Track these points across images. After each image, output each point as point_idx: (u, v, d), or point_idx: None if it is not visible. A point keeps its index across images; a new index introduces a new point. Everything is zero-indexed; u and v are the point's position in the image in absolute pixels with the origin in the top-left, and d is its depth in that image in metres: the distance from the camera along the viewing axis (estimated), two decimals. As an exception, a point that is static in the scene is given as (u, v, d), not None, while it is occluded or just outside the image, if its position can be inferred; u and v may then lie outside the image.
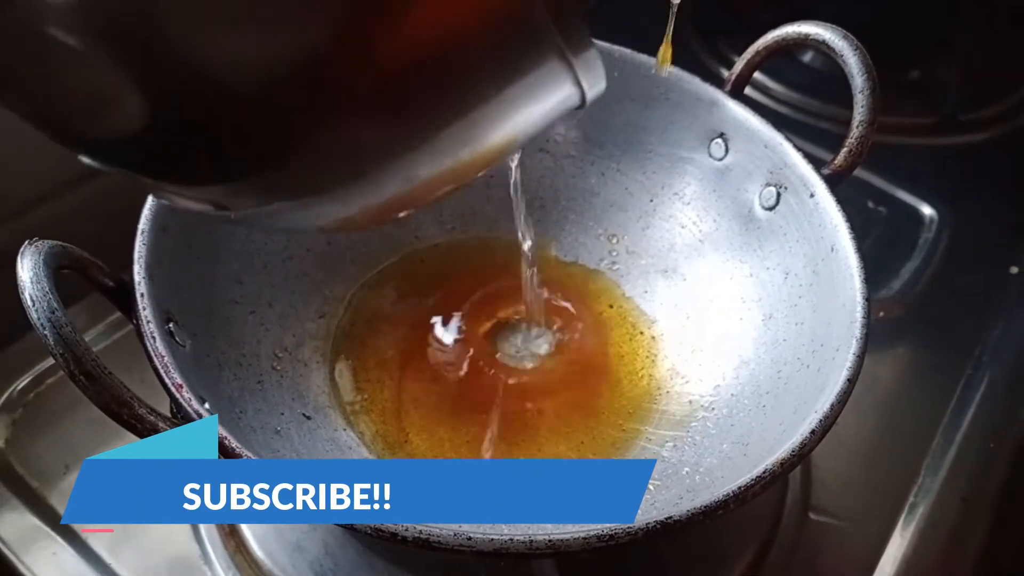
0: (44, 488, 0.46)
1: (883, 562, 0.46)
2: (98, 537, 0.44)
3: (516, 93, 0.24)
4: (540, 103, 0.25)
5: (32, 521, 0.45)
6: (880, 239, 0.65)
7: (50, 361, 0.50)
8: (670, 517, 0.30)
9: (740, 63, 0.47)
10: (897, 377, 0.56)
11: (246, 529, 0.44)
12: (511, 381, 0.47)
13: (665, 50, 0.44)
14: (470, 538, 0.29)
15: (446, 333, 0.49)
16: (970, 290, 0.62)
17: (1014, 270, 0.63)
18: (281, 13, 0.20)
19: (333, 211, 0.27)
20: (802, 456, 0.33)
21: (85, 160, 0.26)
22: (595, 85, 0.25)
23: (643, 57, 0.50)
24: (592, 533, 0.29)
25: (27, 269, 0.30)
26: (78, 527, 0.44)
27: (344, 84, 0.22)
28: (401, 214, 0.32)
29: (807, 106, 0.74)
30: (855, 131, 0.43)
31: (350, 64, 0.21)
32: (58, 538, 0.44)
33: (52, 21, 0.20)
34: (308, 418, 0.43)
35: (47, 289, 0.29)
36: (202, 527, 0.44)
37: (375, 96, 0.22)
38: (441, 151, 0.25)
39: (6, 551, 0.44)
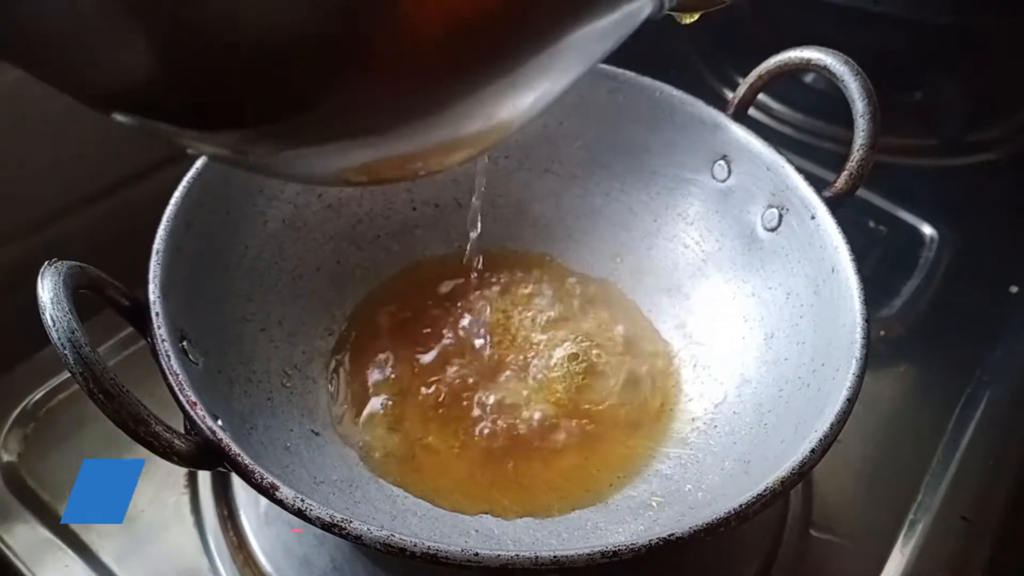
0: (55, 501, 0.47)
1: (883, 579, 0.46)
2: (108, 550, 0.45)
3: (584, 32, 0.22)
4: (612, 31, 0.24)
5: (44, 534, 0.45)
6: (881, 258, 0.65)
7: (61, 377, 0.52)
8: (672, 534, 0.31)
9: (743, 87, 0.48)
10: (898, 395, 0.56)
11: (254, 542, 0.45)
12: (518, 395, 0.48)
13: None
14: (477, 554, 0.29)
15: (454, 348, 0.50)
16: (970, 309, 0.62)
17: (1014, 289, 0.64)
18: None
19: (352, 158, 0.26)
20: (803, 475, 0.33)
21: (104, 113, 0.25)
22: None
23: (647, 80, 0.51)
24: (596, 550, 0.30)
25: (47, 290, 0.31)
26: (87, 539, 0.45)
27: (385, 33, 0.20)
28: (427, 169, 0.30)
29: (811, 127, 0.75)
30: (856, 154, 0.44)
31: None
32: (69, 551, 0.45)
33: None
34: (316, 434, 0.44)
35: (67, 309, 0.30)
36: (211, 540, 0.45)
37: (422, 46, 0.20)
38: (484, 101, 0.23)
39: (18, 563, 0.44)
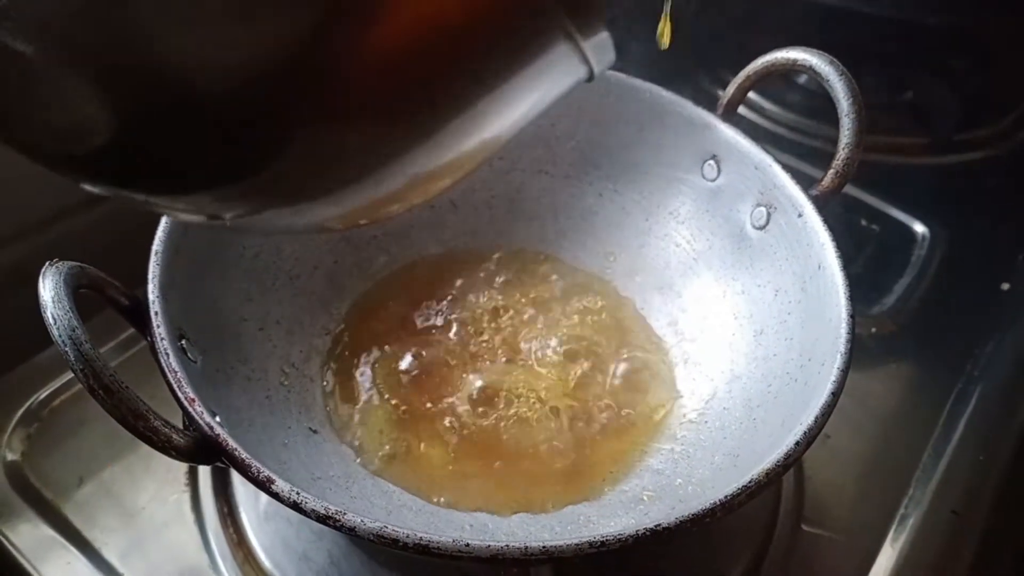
0: (58, 500, 0.47)
1: (874, 573, 0.47)
2: (110, 546, 0.45)
3: (521, 81, 0.23)
4: (546, 87, 0.24)
5: (47, 532, 0.46)
6: (873, 256, 0.66)
7: (64, 378, 0.52)
8: (659, 525, 0.31)
9: (732, 87, 0.49)
10: (889, 391, 0.57)
11: (254, 539, 0.45)
12: (512, 392, 0.49)
13: (664, 26, 0.45)
14: (468, 544, 0.30)
15: (449, 346, 0.50)
16: (962, 306, 0.63)
17: (1005, 286, 0.64)
18: (260, 6, 0.19)
19: (328, 212, 0.26)
20: (787, 466, 0.34)
21: (79, 184, 0.26)
22: (603, 60, 0.24)
23: (638, 82, 0.52)
24: (584, 540, 0.31)
25: (48, 289, 0.31)
26: (89, 535, 0.46)
27: (335, 82, 0.21)
28: (398, 209, 0.30)
29: (803, 126, 0.76)
30: (841, 153, 0.44)
31: (339, 59, 0.20)
32: (72, 548, 0.45)
33: (24, 36, 0.20)
34: (314, 432, 0.44)
35: (68, 308, 0.31)
36: (211, 537, 0.46)
37: (370, 94, 0.21)
38: (443, 145, 0.24)
39: (22, 561, 0.45)
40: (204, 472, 0.49)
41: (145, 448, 0.49)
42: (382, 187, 0.25)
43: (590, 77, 0.25)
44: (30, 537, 0.46)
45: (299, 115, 0.21)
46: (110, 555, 0.45)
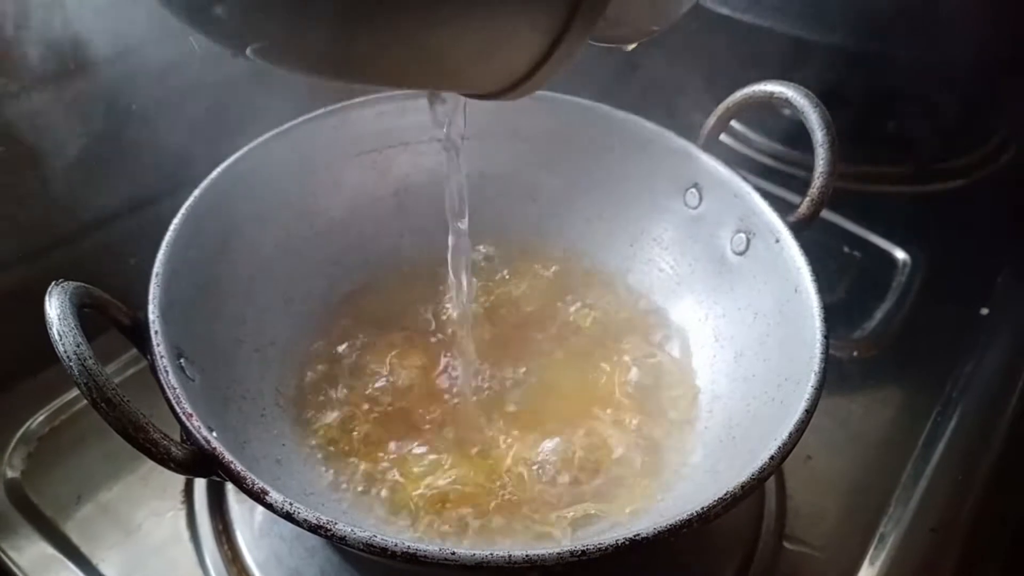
0: (57, 516, 0.49)
1: (854, 589, 0.48)
2: (108, 563, 0.47)
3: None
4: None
5: (45, 547, 0.47)
6: (855, 282, 0.67)
7: (64, 398, 0.54)
8: (637, 535, 0.33)
9: (712, 118, 0.51)
10: (870, 413, 0.58)
11: (248, 556, 0.47)
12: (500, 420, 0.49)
13: None
14: (454, 552, 0.32)
15: (443, 368, 0.51)
16: (941, 330, 0.64)
17: (984, 311, 0.66)
18: None
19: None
20: (762, 480, 0.35)
21: None
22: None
23: (623, 114, 0.54)
24: (566, 549, 0.32)
25: (55, 307, 0.33)
26: (87, 551, 0.47)
27: None
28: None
29: (787, 156, 0.78)
30: (817, 181, 0.46)
31: None
32: (70, 564, 0.46)
33: None
34: (309, 449, 0.46)
35: (73, 325, 0.32)
36: (206, 553, 0.47)
37: None
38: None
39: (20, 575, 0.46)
40: (200, 490, 0.50)
41: (142, 467, 0.51)
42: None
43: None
44: (29, 552, 0.47)
45: None
46: (107, 570, 0.46)
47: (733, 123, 0.80)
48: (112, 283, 0.39)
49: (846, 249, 0.70)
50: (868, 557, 0.49)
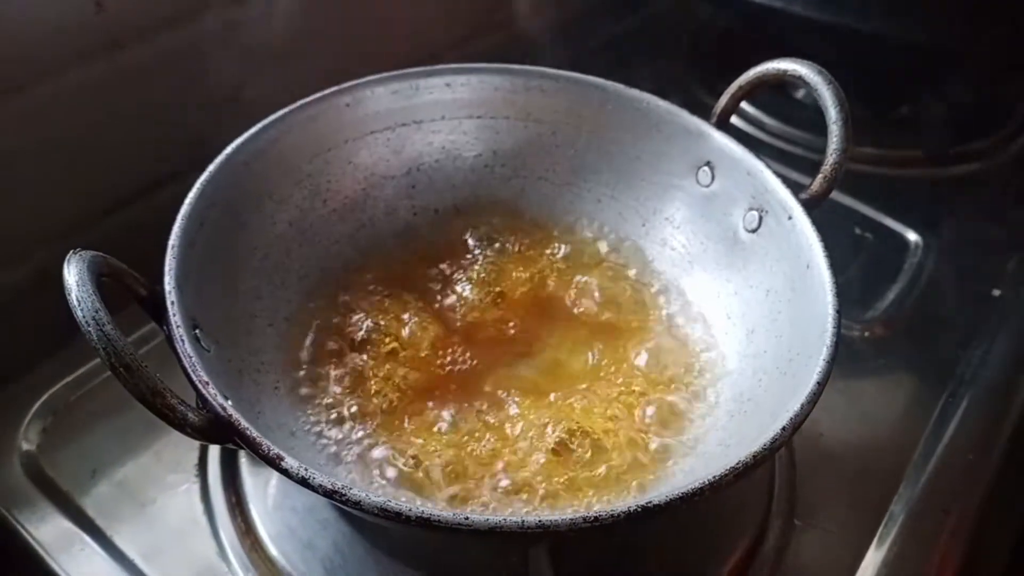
0: (72, 490, 0.49)
1: (863, 567, 0.48)
2: (122, 535, 0.47)
3: None
4: None
5: (60, 520, 0.48)
6: (867, 264, 0.68)
7: (79, 373, 0.54)
8: (649, 502, 0.33)
9: (725, 97, 0.51)
10: (881, 392, 0.58)
11: (261, 528, 0.47)
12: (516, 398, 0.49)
13: None
14: (467, 518, 0.32)
15: (455, 345, 0.51)
16: (953, 312, 0.65)
17: (996, 292, 0.66)
18: None
19: None
20: (774, 450, 0.35)
21: None
22: None
23: (636, 92, 0.54)
24: (579, 515, 0.32)
25: (73, 274, 0.33)
26: (102, 523, 0.47)
27: None
28: None
29: (799, 139, 0.78)
30: (830, 159, 0.46)
31: None
32: (85, 536, 0.47)
33: None
34: (323, 421, 0.46)
35: (91, 291, 0.33)
36: (219, 526, 0.47)
37: None
38: None
39: (40, 551, 0.47)
40: (213, 464, 0.50)
41: (157, 442, 0.52)
42: None
43: None
44: (44, 525, 0.47)
45: None
46: (122, 543, 0.47)
47: (747, 106, 0.80)
48: (130, 260, 0.39)
49: (858, 231, 0.70)
50: (878, 536, 0.49)
